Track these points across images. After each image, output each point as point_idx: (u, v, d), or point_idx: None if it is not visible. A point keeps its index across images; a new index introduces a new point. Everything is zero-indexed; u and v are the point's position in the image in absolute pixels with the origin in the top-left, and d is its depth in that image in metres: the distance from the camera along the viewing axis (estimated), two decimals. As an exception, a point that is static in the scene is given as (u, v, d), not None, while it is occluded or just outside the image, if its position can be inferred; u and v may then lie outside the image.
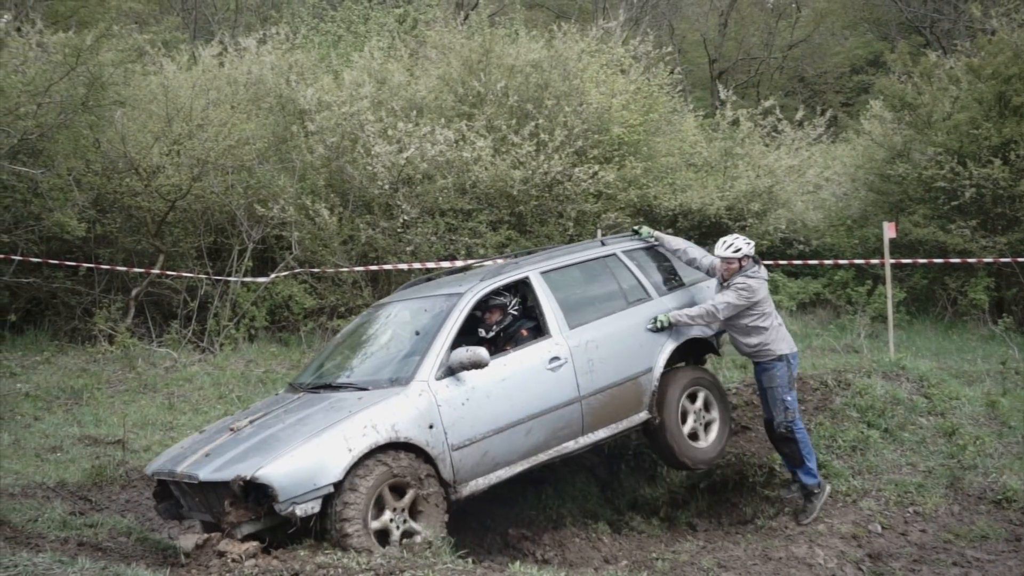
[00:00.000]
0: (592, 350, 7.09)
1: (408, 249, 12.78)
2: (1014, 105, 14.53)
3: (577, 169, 13.27)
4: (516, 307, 7.34)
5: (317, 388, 6.88)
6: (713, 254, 7.79)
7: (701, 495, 8.38)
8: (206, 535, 5.88)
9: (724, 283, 7.66)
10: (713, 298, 7.60)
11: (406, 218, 12.70)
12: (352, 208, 13.16)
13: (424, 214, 12.97)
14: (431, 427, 6.21)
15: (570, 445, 6.98)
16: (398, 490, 6.01)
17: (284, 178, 13.14)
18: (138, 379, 10.73)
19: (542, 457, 6.83)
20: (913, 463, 8.07)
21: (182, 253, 13.35)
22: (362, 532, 5.72)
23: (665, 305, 7.68)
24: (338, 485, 5.76)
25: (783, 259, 15.38)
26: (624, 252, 7.89)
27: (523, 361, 6.82)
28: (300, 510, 5.65)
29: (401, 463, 5.99)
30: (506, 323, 7.31)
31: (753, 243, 7.71)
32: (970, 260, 13.91)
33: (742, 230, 14.89)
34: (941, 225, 14.79)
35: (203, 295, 12.62)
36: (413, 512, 6.06)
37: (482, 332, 7.26)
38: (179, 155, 12.75)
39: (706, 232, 15.30)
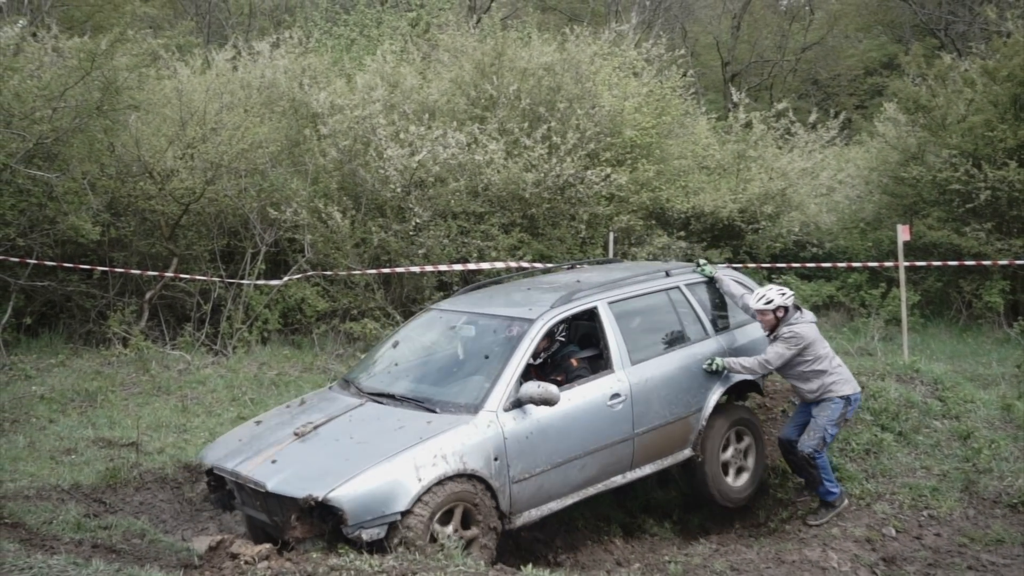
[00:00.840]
0: (650, 388, 7.09)
1: (420, 252, 12.80)
2: (1029, 107, 14.49)
3: (589, 172, 13.27)
4: (563, 333, 7.31)
5: (380, 396, 6.76)
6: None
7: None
8: (219, 537, 5.90)
9: (769, 335, 7.65)
10: (765, 351, 7.59)
11: (418, 221, 12.72)
12: (364, 211, 13.19)
13: (436, 217, 12.99)
14: (496, 459, 6.16)
15: (617, 480, 7.02)
16: (459, 518, 6.00)
17: (297, 181, 13.18)
18: (152, 382, 10.77)
19: (591, 491, 6.85)
20: (927, 466, 8.02)
21: (195, 256, 13.39)
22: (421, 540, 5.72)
23: (720, 344, 7.75)
24: (405, 513, 5.73)
25: (796, 262, 15.34)
26: (687, 286, 7.83)
27: (586, 396, 6.76)
28: (367, 535, 5.63)
29: (466, 492, 5.98)
30: (553, 349, 7.29)
31: (790, 293, 7.63)
32: (985, 263, 13.85)
33: (755, 232, 14.89)
34: (956, 228, 14.72)
35: (216, 298, 12.67)
36: (468, 543, 6.03)
37: (536, 360, 7.17)
38: (193, 159, 12.80)
39: (718, 235, 15.30)
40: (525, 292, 7.63)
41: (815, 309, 15.09)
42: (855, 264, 14.56)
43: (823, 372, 7.52)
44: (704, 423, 7.48)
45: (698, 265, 8.17)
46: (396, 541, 5.68)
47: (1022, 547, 7.01)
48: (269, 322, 12.63)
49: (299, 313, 12.97)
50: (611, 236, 13.13)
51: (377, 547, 5.68)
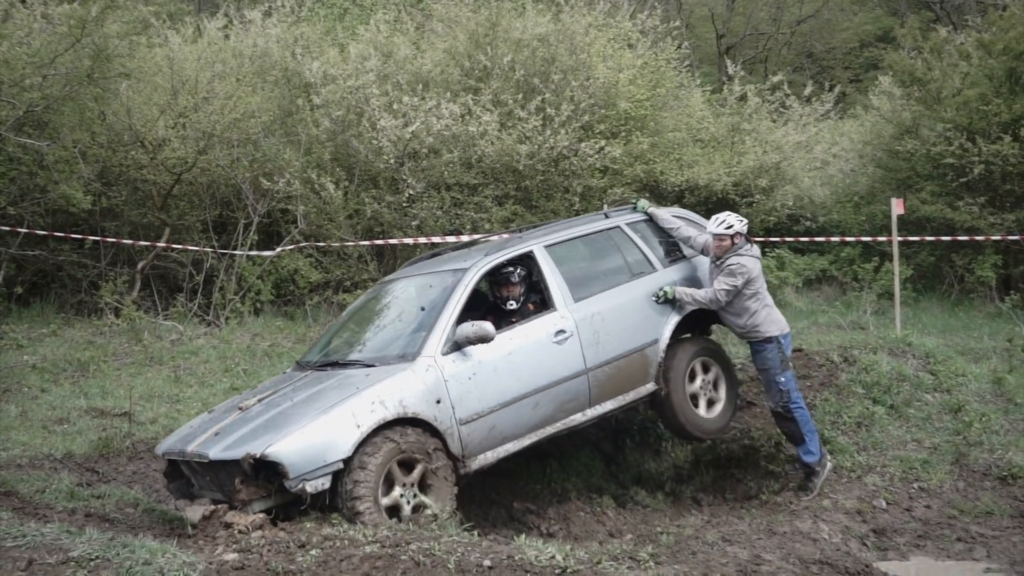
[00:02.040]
0: (597, 323, 7.09)
1: (413, 223, 12.76)
2: (1025, 81, 14.46)
3: (583, 144, 13.21)
4: (524, 278, 7.34)
5: (324, 366, 6.90)
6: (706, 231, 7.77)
7: (706, 470, 8.39)
8: (213, 507, 5.91)
9: (716, 261, 7.63)
10: (714, 284, 7.55)
11: (412, 192, 12.67)
12: (358, 182, 13.13)
13: (430, 188, 12.94)
14: (438, 402, 6.23)
15: (577, 418, 7.01)
16: (407, 465, 6.03)
17: (290, 152, 13.11)
18: (144, 352, 10.75)
19: (550, 430, 6.86)
20: (919, 439, 8.07)
21: (188, 226, 13.33)
22: (373, 507, 5.75)
23: (670, 277, 7.69)
24: (347, 461, 5.78)
25: (790, 235, 15.34)
26: (628, 224, 7.88)
27: (529, 335, 6.83)
28: (310, 487, 5.69)
29: (409, 438, 6.01)
30: (524, 295, 7.32)
31: (746, 221, 7.67)
32: (978, 238, 13.86)
33: (749, 206, 14.87)
34: (949, 202, 14.73)
35: (209, 268, 12.63)
36: (423, 487, 6.09)
37: (512, 304, 7.25)
38: (185, 128, 12.71)
39: (712, 208, 15.21)
40: (467, 251, 7.83)
41: (808, 283, 15.14)
42: (848, 238, 14.56)
43: (755, 311, 7.51)
44: (662, 354, 7.41)
45: (632, 204, 8.23)
46: (346, 491, 5.75)
47: (1011, 519, 7.08)
48: (262, 293, 12.60)
49: (292, 284, 12.94)
50: (606, 209, 13.09)
51: (329, 502, 5.78)
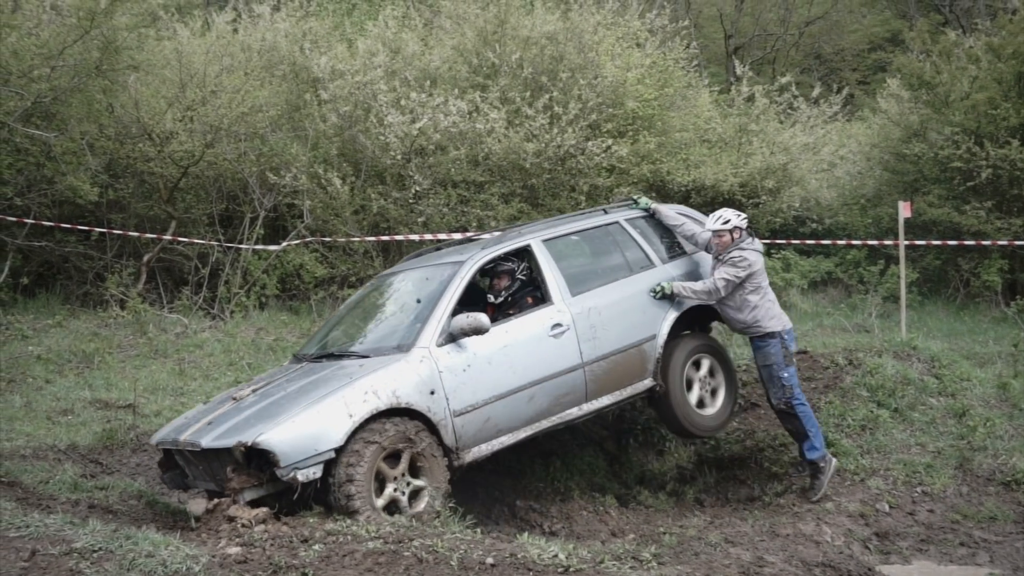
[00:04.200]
0: (594, 317, 7.08)
1: (420, 220, 12.76)
2: (1034, 85, 14.44)
3: (590, 143, 13.19)
4: (524, 272, 7.35)
5: (320, 358, 6.93)
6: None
7: (709, 471, 8.38)
8: (216, 500, 5.92)
9: (718, 257, 7.60)
10: (713, 275, 7.53)
11: (418, 189, 12.67)
12: (364, 178, 13.13)
13: (436, 185, 12.94)
14: (432, 393, 6.24)
15: (573, 412, 7.00)
16: (396, 457, 6.03)
17: (296, 146, 13.12)
18: (149, 344, 10.77)
19: (545, 424, 6.85)
20: (922, 443, 8.05)
21: (194, 220, 13.35)
22: (365, 498, 5.76)
23: (668, 273, 7.67)
24: (340, 450, 5.80)
25: (796, 237, 15.31)
26: (627, 220, 7.87)
27: (525, 328, 6.83)
28: (302, 475, 5.70)
29: (401, 428, 6.02)
30: (515, 288, 7.31)
31: (745, 216, 7.66)
32: (984, 242, 13.84)
33: (755, 207, 14.85)
34: (956, 206, 14.70)
35: (214, 262, 12.63)
36: (415, 474, 6.10)
37: (491, 298, 7.28)
38: (192, 121, 12.72)
39: (718, 208, 15.23)
40: (466, 246, 7.88)
41: (813, 285, 15.12)
42: (855, 241, 14.54)
43: (756, 305, 7.46)
44: (660, 350, 7.36)
45: (633, 200, 8.18)
46: (338, 480, 5.76)
47: (1014, 524, 7.07)
48: (267, 287, 12.61)
49: (297, 279, 12.96)
50: (606, 205, 13.07)
51: (322, 493, 5.81)
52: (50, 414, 8.46)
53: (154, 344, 10.78)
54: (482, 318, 6.42)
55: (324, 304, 12.65)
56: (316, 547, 4.93)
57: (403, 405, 6.08)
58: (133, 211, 13.17)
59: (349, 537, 5.09)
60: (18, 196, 11.74)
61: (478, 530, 5.56)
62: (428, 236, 12.45)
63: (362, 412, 5.89)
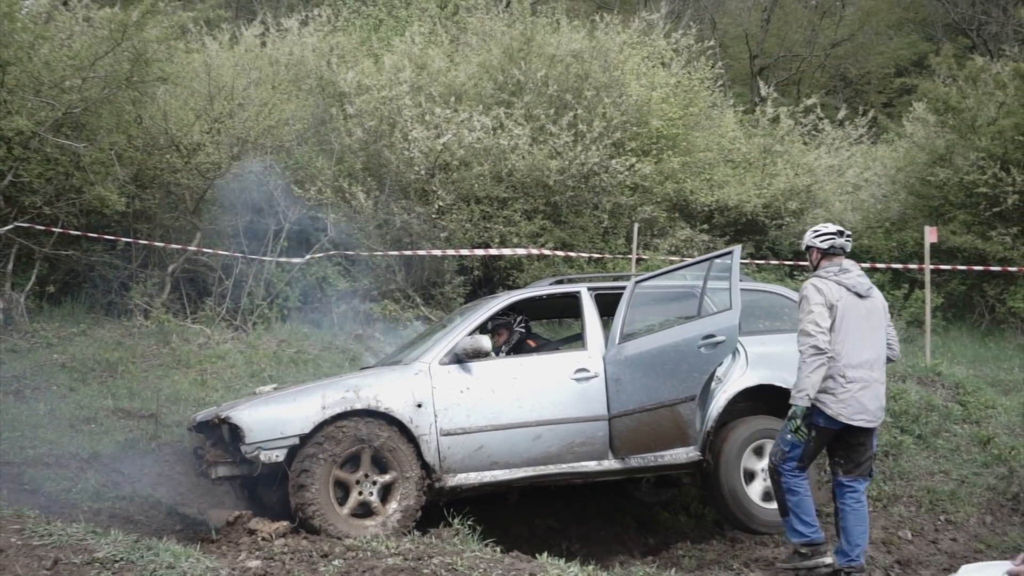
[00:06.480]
0: (625, 369, 6.67)
1: (442, 235, 12.79)
2: (1062, 112, 14.33)
3: (614, 161, 13.21)
4: (522, 324, 7.42)
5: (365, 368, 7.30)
6: None
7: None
8: (237, 512, 5.95)
9: None
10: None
11: (441, 204, 12.70)
12: (388, 192, 13.18)
13: (459, 201, 12.97)
14: (419, 405, 6.30)
15: (591, 465, 6.70)
16: (355, 460, 6.14)
17: (322, 160, 13.18)
18: (172, 354, 10.81)
19: (553, 469, 6.61)
20: (946, 471, 7.98)
21: (219, 231, 13.42)
22: (320, 488, 5.89)
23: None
24: (305, 439, 5.95)
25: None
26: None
27: (544, 366, 6.83)
28: (264, 456, 5.91)
29: (372, 429, 6.09)
30: (513, 342, 7.45)
31: (821, 231, 6.21)
32: (1011, 268, 13.73)
33: (778, 229, 14.80)
34: (981, 232, 14.60)
35: (238, 273, 12.69)
36: (386, 491, 6.14)
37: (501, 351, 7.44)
38: (219, 133, 12.80)
39: (741, 229, 15.21)
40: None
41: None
42: (879, 264, 14.45)
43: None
44: (698, 413, 6.28)
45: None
46: (297, 466, 5.90)
47: (1039, 556, 6.97)
48: (290, 299, 12.65)
49: (320, 292, 12.99)
50: (635, 227, 13.07)
51: (281, 480, 6.00)
52: (73, 422, 8.50)
53: (177, 354, 10.82)
54: (482, 340, 6.52)
55: (346, 317, 12.68)
56: (336, 562, 4.93)
57: (382, 409, 6.15)
58: (159, 221, 13.24)
59: (369, 553, 5.09)
60: (47, 205, 11.84)
61: (497, 548, 5.54)
62: (451, 252, 12.48)
63: (336, 409, 6.06)
